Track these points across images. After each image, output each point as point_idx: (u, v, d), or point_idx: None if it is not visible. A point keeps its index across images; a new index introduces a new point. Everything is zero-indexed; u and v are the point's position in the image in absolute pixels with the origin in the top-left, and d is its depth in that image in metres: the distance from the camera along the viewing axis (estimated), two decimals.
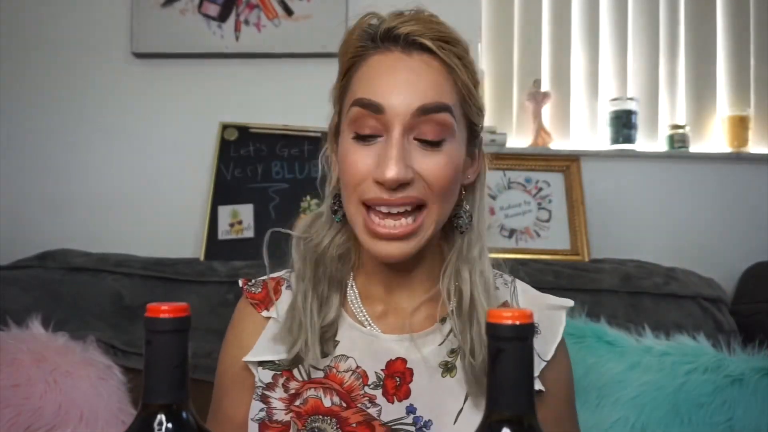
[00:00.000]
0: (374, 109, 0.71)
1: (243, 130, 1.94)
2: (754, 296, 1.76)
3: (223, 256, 1.79)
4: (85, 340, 1.36)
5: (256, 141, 1.94)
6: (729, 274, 1.86)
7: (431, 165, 0.72)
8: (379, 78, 0.73)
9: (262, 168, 1.92)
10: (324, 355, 0.78)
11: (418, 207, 0.73)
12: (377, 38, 0.74)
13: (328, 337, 0.79)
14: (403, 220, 0.73)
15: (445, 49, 0.73)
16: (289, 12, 1.96)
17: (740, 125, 1.99)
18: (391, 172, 0.69)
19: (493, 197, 1.94)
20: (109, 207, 1.94)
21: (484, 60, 2.04)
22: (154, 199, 1.94)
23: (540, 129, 2.00)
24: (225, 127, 1.94)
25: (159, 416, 0.47)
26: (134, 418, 0.48)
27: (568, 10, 2.05)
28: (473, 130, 0.79)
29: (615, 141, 2.00)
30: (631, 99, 1.99)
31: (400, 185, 0.71)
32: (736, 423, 1.32)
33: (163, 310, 0.46)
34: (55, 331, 1.34)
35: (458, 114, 0.74)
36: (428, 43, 0.72)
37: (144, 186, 1.95)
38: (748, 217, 1.95)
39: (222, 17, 1.96)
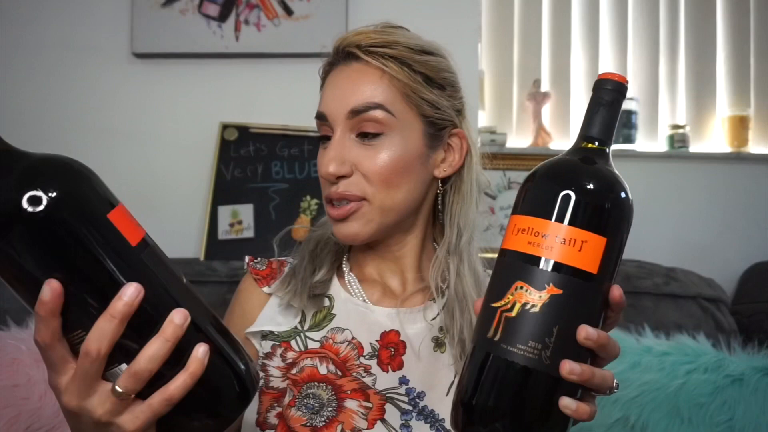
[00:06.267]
0: (321, 117, 0.82)
1: (243, 130, 1.94)
2: (754, 296, 1.76)
3: (223, 256, 1.79)
4: None
5: (256, 141, 1.94)
6: (729, 274, 1.86)
7: (367, 159, 0.79)
8: (326, 91, 0.84)
9: (262, 168, 1.92)
10: (310, 301, 0.85)
11: (361, 199, 0.81)
12: (332, 57, 0.85)
13: (317, 293, 0.86)
14: (349, 204, 0.81)
15: (375, 53, 0.80)
16: (289, 12, 1.96)
17: (740, 125, 2.00)
18: (327, 167, 0.79)
19: (493, 197, 1.94)
20: None
21: (484, 60, 2.04)
22: (154, 199, 1.94)
23: (540, 129, 2.00)
24: (225, 127, 1.94)
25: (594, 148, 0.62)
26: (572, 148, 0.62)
27: (568, 10, 2.05)
28: (434, 123, 0.83)
29: (615, 141, 1.99)
30: (631, 99, 1.99)
31: (339, 178, 0.80)
32: (736, 423, 1.32)
33: (614, 75, 0.62)
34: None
35: (401, 109, 0.80)
36: (355, 51, 0.81)
37: (144, 186, 1.95)
38: (748, 217, 1.95)
39: (222, 17, 1.96)
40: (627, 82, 0.62)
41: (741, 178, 1.98)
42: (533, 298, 0.56)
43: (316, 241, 0.90)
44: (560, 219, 0.57)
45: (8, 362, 1.24)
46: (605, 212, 0.58)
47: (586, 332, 0.55)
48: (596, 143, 0.61)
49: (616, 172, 0.61)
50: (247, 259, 0.94)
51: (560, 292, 0.56)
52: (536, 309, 0.56)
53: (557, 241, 0.57)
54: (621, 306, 0.58)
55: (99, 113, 1.98)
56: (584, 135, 0.62)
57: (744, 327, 1.64)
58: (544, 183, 0.60)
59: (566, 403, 0.56)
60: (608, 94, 0.61)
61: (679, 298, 1.65)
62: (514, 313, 0.57)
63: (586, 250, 0.56)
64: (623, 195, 0.60)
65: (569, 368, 0.55)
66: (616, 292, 0.57)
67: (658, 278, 1.69)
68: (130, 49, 1.96)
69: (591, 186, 0.59)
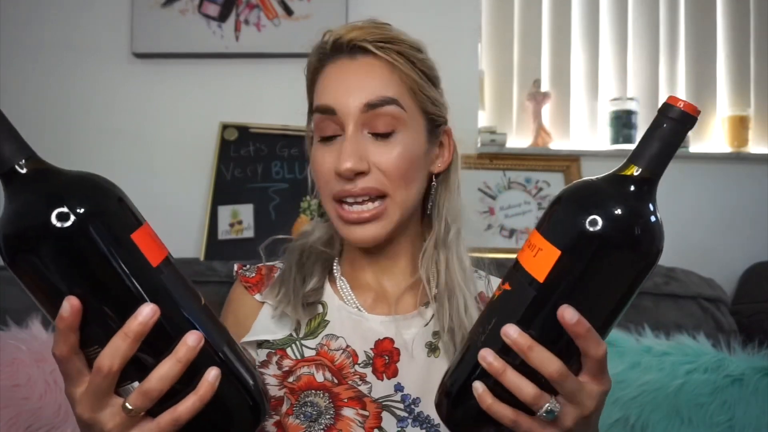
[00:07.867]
0: (329, 111, 0.79)
1: (243, 130, 1.94)
2: (754, 296, 1.76)
3: (223, 256, 1.79)
4: None
5: (256, 141, 1.94)
6: (729, 274, 1.86)
7: (384, 155, 0.78)
8: (331, 84, 0.80)
9: (262, 168, 1.92)
10: (305, 311, 0.83)
11: (381, 196, 0.79)
12: (327, 50, 0.82)
13: (311, 301, 0.84)
14: (369, 205, 0.79)
15: (386, 48, 0.79)
16: (289, 12, 1.96)
17: (740, 125, 1.99)
18: (346, 163, 0.76)
19: (493, 197, 1.94)
20: None
21: (484, 60, 2.04)
22: (154, 199, 1.93)
23: (540, 129, 2.00)
24: (225, 127, 1.94)
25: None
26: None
27: (568, 10, 2.05)
28: (433, 120, 0.84)
29: (615, 141, 2.00)
30: (631, 99, 1.99)
31: (357, 175, 0.78)
32: (736, 423, 1.32)
33: (683, 102, 0.55)
34: (55, 331, 1.34)
35: (409, 105, 0.80)
36: (368, 45, 0.79)
37: (144, 186, 1.95)
38: (748, 217, 1.95)
39: (222, 17, 1.96)
40: (697, 113, 0.56)
41: (741, 178, 1.98)
42: (497, 290, 0.61)
43: (300, 251, 0.88)
44: (537, 225, 0.60)
45: (8, 362, 1.24)
46: (569, 227, 0.56)
47: (506, 329, 0.57)
48: (637, 170, 0.57)
49: (644, 206, 0.56)
50: (235, 266, 0.92)
51: (509, 289, 0.59)
52: (494, 299, 0.61)
53: (526, 244, 0.60)
54: (573, 330, 0.55)
55: (99, 113, 1.98)
56: (631, 157, 0.58)
57: (744, 327, 1.64)
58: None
59: (475, 385, 0.60)
60: (667, 122, 0.56)
61: (679, 298, 1.65)
62: (487, 300, 0.64)
63: (539, 257, 0.57)
64: (612, 224, 0.54)
65: (482, 354, 0.59)
66: (560, 312, 0.55)
67: (658, 278, 1.69)
68: (130, 49, 1.96)
69: (571, 199, 0.58)
